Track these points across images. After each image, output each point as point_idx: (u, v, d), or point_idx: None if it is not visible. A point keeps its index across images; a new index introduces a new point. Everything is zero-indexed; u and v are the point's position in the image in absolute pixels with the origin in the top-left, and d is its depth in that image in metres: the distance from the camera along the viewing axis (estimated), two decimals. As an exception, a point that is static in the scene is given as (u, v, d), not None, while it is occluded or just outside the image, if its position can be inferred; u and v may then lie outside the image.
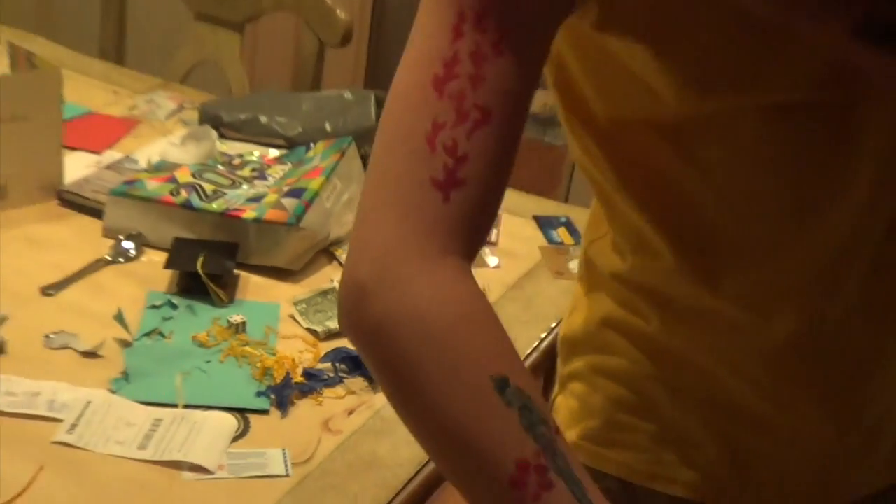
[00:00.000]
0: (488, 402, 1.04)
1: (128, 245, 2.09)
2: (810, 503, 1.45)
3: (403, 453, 1.67)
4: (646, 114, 1.18)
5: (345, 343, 1.87)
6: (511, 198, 2.41)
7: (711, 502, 1.44)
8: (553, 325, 2.00)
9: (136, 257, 2.08)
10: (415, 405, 1.08)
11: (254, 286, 2.03)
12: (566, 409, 1.48)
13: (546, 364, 1.93)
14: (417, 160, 1.06)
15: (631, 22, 1.13)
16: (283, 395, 1.74)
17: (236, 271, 2.03)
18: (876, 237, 1.22)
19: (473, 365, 1.06)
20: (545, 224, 2.36)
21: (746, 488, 1.44)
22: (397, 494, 1.61)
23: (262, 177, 2.23)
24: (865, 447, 1.41)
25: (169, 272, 2.00)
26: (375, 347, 1.09)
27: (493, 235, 2.29)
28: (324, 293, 1.99)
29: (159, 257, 2.03)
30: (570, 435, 1.49)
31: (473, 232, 1.10)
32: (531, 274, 2.19)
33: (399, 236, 1.06)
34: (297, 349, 1.86)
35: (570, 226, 2.37)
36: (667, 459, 1.43)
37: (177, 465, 1.59)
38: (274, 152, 2.42)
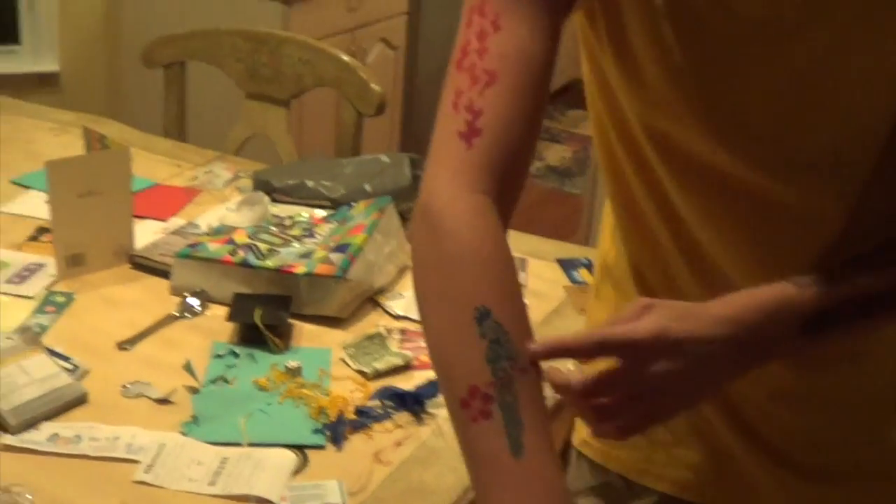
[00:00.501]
0: (466, 329, 1.09)
1: (193, 301, 2.09)
2: None
3: (448, 480, 1.66)
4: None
5: (391, 382, 1.87)
6: (535, 243, 2.42)
7: (694, 499, 1.44)
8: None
9: (201, 312, 2.07)
10: (420, 306, 1.18)
11: (307, 334, 2.02)
12: None
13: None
14: (447, 120, 1.20)
15: None
16: (338, 430, 1.73)
17: (290, 321, 2.02)
18: None
19: (465, 291, 1.12)
20: (567, 266, 2.34)
21: (727, 491, 1.43)
22: (444, 517, 1.59)
23: (311, 235, 2.23)
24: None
25: (231, 325, 2.00)
26: (412, 255, 1.20)
27: (522, 278, 2.29)
28: (370, 337, 1.98)
29: (222, 311, 2.03)
30: (584, 432, 1.54)
31: (498, 174, 1.18)
32: (557, 311, 2.18)
33: (436, 177, 1.19)
34: (348, 389, 1.85)
35: (590, 267, 2.35)
36: (656, 458, 1.45)
37: (244, 498, 1.58)
38: (320, 213, 2.42)
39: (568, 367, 1.19)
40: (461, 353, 1.11)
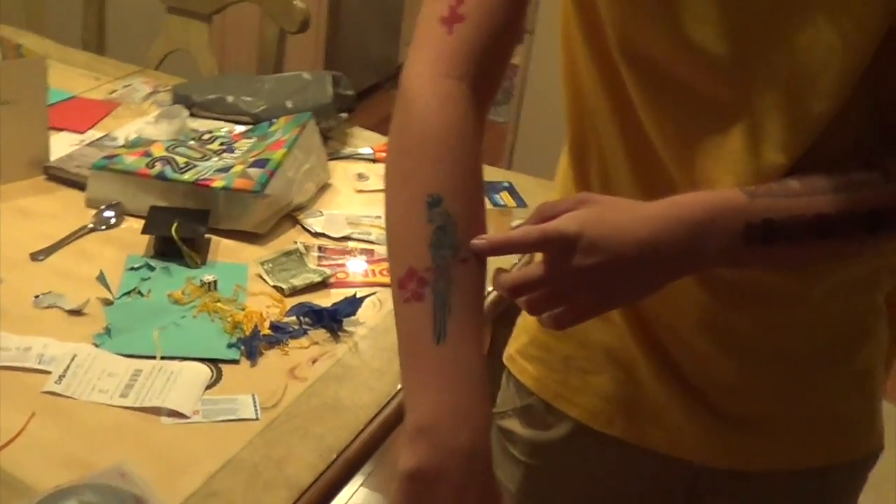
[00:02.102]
0: (416, 213, 1.13)
1: (109, 214, 2.06)
2: (690, 454, 1.42)
3: (364, 397, 1.65)
4: None
5: (308, 298, 1.86)
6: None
7: (603, 429, 1.43)
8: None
9: (117, 225, 2.04)
10: (385, 182, 1.20)
11: (224, 249, 2.00)
12: (517, 327, 1.54)
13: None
14: (430, 5, 1.22)
15: None
16: (252, 346, 1.71)
17: (207, 235, 2.00)
18: None
19: (423, 177, 1.14)
20: (489, 189, 2.33)
21: (635, 424, 1.42)
22: (358, 435, 1.59)
23: (230, 150, 2.20)
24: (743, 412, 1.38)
25: (146, 237, 1.97)
26: (389, 131, 1.22)
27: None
28: (287, 254, 1.96)
29: (137, 224, 2.00)
30: (512, 347, 1.54)
31: (477, 60, 1.20)
32: (476, 233, 2.17)
33: (415, 61, 1.21)
34: (264, 305, 1.84)
35: (511, 190, 2.34)
36: (571, 383, 1.44)
37: (156, 410, 1.57)
38: (240, 128, 2.39)
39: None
40: (407, 235, 1.14)
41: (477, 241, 1.13)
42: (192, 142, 2.24)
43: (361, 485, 3.31)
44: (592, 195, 1.15)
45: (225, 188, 2.01)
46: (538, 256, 1.16)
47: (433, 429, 1.08)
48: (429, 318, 1.09)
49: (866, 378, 1.40)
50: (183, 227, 1.93)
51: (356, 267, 1.99)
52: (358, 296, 1.83)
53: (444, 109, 1.17)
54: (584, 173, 1.35)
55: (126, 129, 2.38)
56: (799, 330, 1.32)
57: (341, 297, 1.84)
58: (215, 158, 2.15)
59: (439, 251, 1.11)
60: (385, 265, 1.99)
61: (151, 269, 1.90)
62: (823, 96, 1.13)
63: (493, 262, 1.18)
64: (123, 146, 2.24)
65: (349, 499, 3.25)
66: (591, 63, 1.28)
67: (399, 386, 1.67)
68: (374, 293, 1.89)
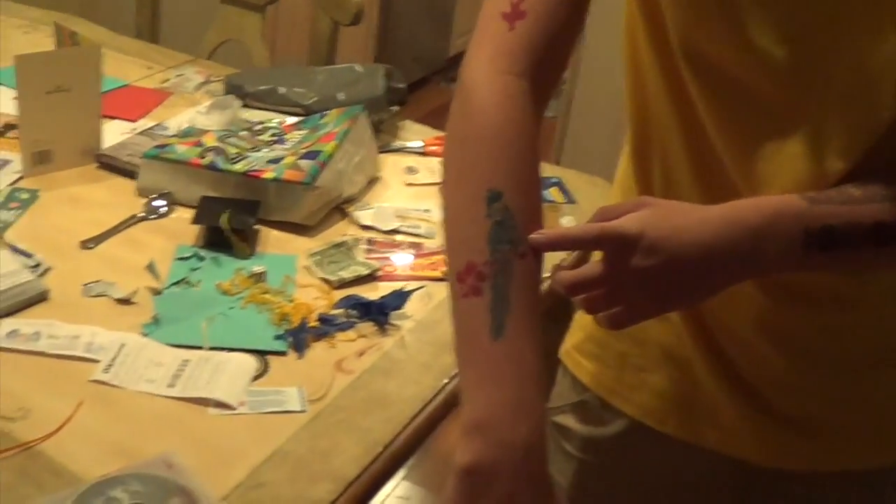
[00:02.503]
0: (475, 208, 1.13)
1: (159, 203, 2.06)
2: (742, 453, 1.40)
3: (409, 391, 1.65)
4: None
5: (355, 291, 1.85)
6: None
7: (658, 427, 1.42)
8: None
9: (167, 214, 2.05)
10: (443, 178, 1.20)
11: (273, 240, 2.00)
12: (574, 322, 1.53)
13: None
14: (493, 1, 1.22)
15: None
16: (300, 338, 1.71)
17: (257, 226, 2.00)
18: None
19: (482, 171, 1.15)
20: (537, 184, 2.32)
21: (689, 422, 1.41)
22: (404, 429, 1.58)
23: (281, 141, 2.20)
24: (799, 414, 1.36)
25: (196, 227, 1.98)
26: (447, 125, 1.22)
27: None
28: (336, 246, 1.96)
29: (188, 214, 2.00)
30: (567, 344, 1.54)
31: (537, 57, 1.20)
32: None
33: (476, 56, 1.21)
34: (312, 297, 1.83)
35: (561, 186, 2.33)
36: (626, 379, 1.44)
37: (202, 401, 1.57)
38: (292, 119, 2.38)
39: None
40: (466, 229, 1.14)
41: (536, 236, 1.13)
42: (243, 132, 2.24)
43: (403, 478, 3.31)
44: (653, 198, 1.15)
45: (275, 179, 2.01)
46: (596, 255, 1.15)
47: (490, 424, 1.08)
48: (486, 314, 1.10)
49: None
50: (233, 217, 1.93)
51: (404, 260, 1.99)
52: (406, 289, 1.83)
53: (503, 105, 1.17)
54: (645, 176, 1.34)
55: (178, 118, 2.39)
56: (853, 332, 1.30)
57: (389, 291, 1.84)
58: (266, 149, 2.15)
59: (498, 246, 1.11)
60: (433, 259, 1.99)
61: (201, 259, 1.90)
62: (885, 103, 1.11)
63: (550, 259, 1.17)
64: (175, 136, 2.24)
65: (391, 491, 3.25)
66: (655, 66, 1.27)
67: (445, 380, 1.67)
68: (421, 287, 1.88)
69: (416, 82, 6.01)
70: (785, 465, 1.39)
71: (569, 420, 1.51)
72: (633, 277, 1.11)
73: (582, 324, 1.50)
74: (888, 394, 1.36)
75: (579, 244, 1.21)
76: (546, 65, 1.21)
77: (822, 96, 1.14)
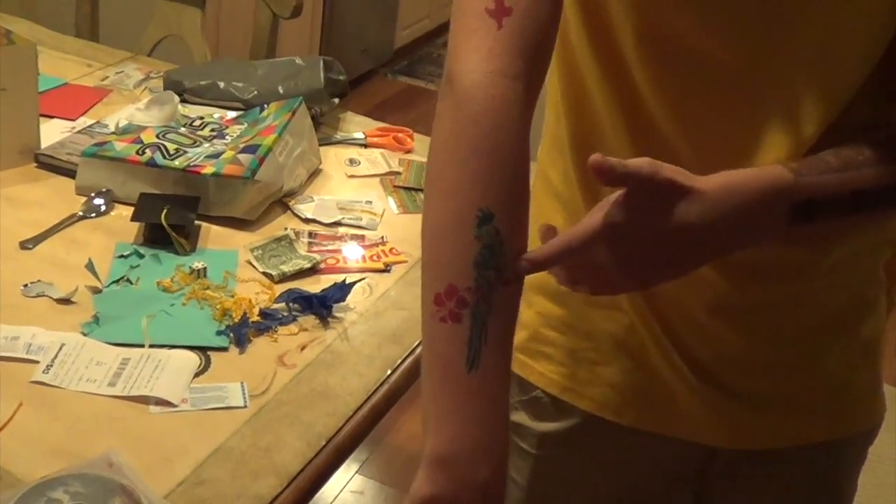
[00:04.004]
0: (464, 227, 1.07)
1: (98, 201, 2.04)
2: (702, 437, 1.41)
3: (352, 384, 1.64)
4: None
5: (297, 285, 1.85)
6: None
7: (614, 419, 1.42)
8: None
9: (106, 212, 2.03)
10: (426, 188, 1.15)
11: (214, 235, 1.99)
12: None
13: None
14: None
15: None
16: (241, 333, 1.70)
17: (197, 222, 1.99)
18: None
19: (475, 188, 1.09)
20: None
21: (646, 411, 1.41)
22: (347, 422, 1.58)
23: (221, 136, 2.19)
24: (761, 391, 1.37)
25: (136, 224, 1.96)
26: (434, 124, 1.15)
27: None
28: (278, 240, 1.95)
29: (127, 211, 1.99)
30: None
31: (528, 55, 1.15)
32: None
33: (466, 54, 1.14)
34: (253, 291, 1.83)
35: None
36: (580, 375, 1.42)
37: (144, 399, 1.56)
38: (231, 114, 2.37)
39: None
40: (452, 249, 1.09)
41: (525, 264, 1.11)
42: (182, 128, 2.23)
43: (357, 472, 3.31)
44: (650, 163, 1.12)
45: (215, 174, 2.00)
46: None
47: (453, 461, 1.06)
48: (464, 343, 1.06)
49: (871, 348, 1.41)
50: (172, 213, 1.92)
51: (347, 253, 1.98)
52: (347, 282, 1.82)
53: (501, 112, 1.12)
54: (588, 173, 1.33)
55: (117, 115, 2.36)
56: (807, 303, 1.32)
57: (331, 284, 1.83)
58: (206, 144, 2.14)
59: (484, 271, 1.07)
60: (376, 250, 1.99)
61: (141, 256, 1.89)
62: (852, 65, 1.16)
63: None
64: (114, 133, 2.22)
65: (345, 485, 3.25)
66: (592, 60, 1.26)
67: (388, 371, 1.67)
68: (363, 279, 1.88)
69: (363, 74, 6.00)
70: (747, 444, 1.40)
71: (521, 417, 1.49)
72: (620, 255, 1.11)
73: (524, 322, 1.46)
74: (844, 362, 1.38)
75: (569, 258, 1.15)
76: (536, 64, 1.16)
77: (792, 62, 1.16)
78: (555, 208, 1.39)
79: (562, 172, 1.38)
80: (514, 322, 1.12)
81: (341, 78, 2.48)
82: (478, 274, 1.07)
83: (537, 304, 1.41)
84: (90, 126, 2.32)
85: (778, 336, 1.33)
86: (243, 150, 2.05)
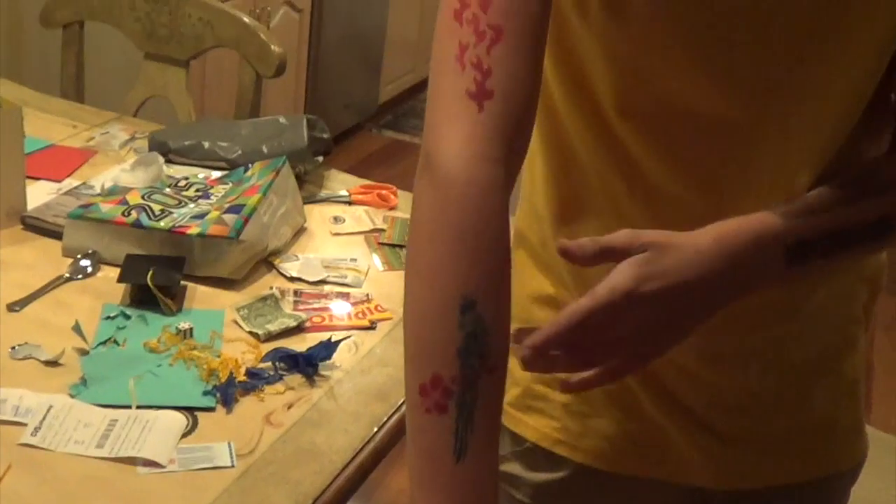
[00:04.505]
0: (447, 315, 1.06)
1: (85, 263, 2.05)
2: (697, 480, 1.42)
3: (339, 441, 1.65)
4: None
5: (283, 343, 1.86)
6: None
7: (609, 469, 1.43)
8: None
9: (93, 274, 2.04)
10: (407, 273, 1.13)
11: (200, 295, 2.00)
12: (507, 379, 1.49)
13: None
14: (453, 76, 1.13)
15: None
16: (228, 393, 1.71)
17: (183, 283, 2.00)
18: None
19: (458, 275, 1.08)
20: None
21: (641, 459, 1.42)
22: (334, 480, 1.58)
23: (206, 196, 2.20)
24: (752, 434, 1.39)
25: (122, 286, 1.97)
26: (413, 210, 1.15)
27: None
28: (263, 299, 1.96)
29: (113, 273, 2.00)
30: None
31: (509, 139, 1.14)
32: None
33: (447, 138, 1.12)
34: (240, 351, 1.83)
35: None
36: (572, 428, 1.43)
37: (132, 460, 1.56)
38: (216, 174, 2.38)
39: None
40: (435, 338, 1.08)
41: (528, 351, 1.13)
42: (167, 189, 2.24)
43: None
44: (646, 237, 1.15)
45: (200, 235, 2.01)
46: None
47: None
48: (450, 434, 1.05)
49: (854, 386, 1.44)
50: (158, 274, 1.93)
51: (333, 311, 1.99)
52: (333, 339, 1.83)
53: (483, 198, 1.11)
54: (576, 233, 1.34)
55: (103, 176, 2.37)
56: (792, 344, 1.35)
57: (317, 342, 1.84)
58: (191, 205, 2.15)
59: (468, 360, 1.06)
60: (362, 307, 2.00)
61: (127, 317, 1.89)
62: (845, 114, 1.21)
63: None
64: (100, 194, 2.24)
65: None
66: (580, 122, 1.28)
67: (375, 429, 1.68)
68: (349, 336, 1.89)
69: (348, 129, 6.03)
70: (736, 485, 1.42)
71: (514, 467, 1.50)
72: (634, 326, 1.13)
73: (516, 379, 1.47)
74: (829, 400, 1.41)
75: (573, 326, 1.14)
76: (516, 146, 1.16)
77: (788, 113, 1.19)
78: (535, 269, 1.41)
79: (540, 239, 1.40)
80: (500, 407, 1.11)
81: (325, 136, 2.49)
82: (462, 363, 1.06)
83: None
84: (76, 187, 2.33)
85: (766, 377, 1.35)
86: (228, 210, 2.06)
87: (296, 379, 1.78)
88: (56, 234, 2.13)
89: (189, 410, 1.67)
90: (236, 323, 1.91)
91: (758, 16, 1.15)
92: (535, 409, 1.46)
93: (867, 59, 1.18)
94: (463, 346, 1.06)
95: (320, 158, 2.48)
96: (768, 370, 1.35)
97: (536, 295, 1.42)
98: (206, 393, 1.71)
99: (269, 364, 1.80)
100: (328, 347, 1.81)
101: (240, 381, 1.74)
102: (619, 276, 1.11)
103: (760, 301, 1.25)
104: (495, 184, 1.12)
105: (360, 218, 2.36)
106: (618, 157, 1.26)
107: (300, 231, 2.25)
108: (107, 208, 2.10)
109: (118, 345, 1.82)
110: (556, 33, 1.23)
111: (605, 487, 1.45)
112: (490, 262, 1.10)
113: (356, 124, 6.17)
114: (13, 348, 1.78)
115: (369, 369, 1.83)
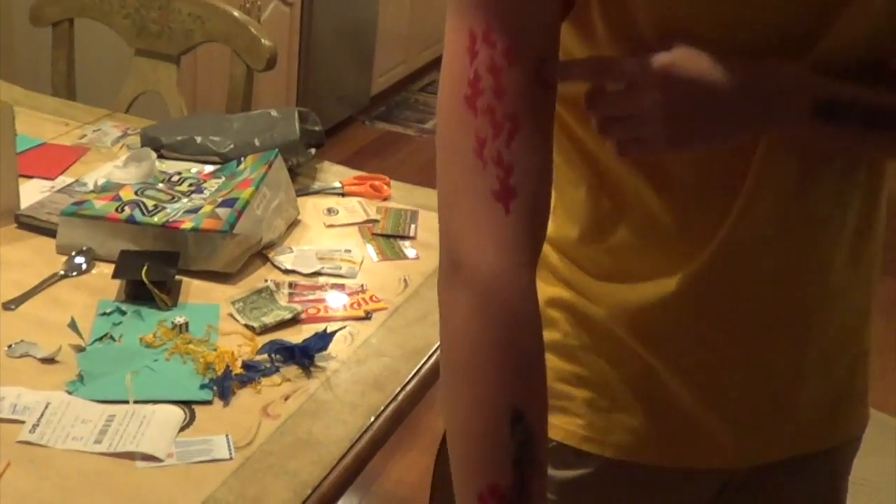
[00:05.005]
0: (499, 427, 1.09)
1: (79, 260, 2.05)
2: (725, 463, 1.43)
3: (337, 432, 1.66)
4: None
5: (279, 336, 1.86)
6: (427, 196, 2.42)
7: (637, 460, 1.43)
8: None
9: (88, 270, 2.04)
10: (448, 385, 1.14)
11: (195, 289, 2.00)
12: None
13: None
14: (474, 174, 1.11)
15: None
16: (225, 385, 1.71)
17: (178, 277, 2.00)
18: None
19: (506, 388, 1.10)
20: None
21: (669, 448, 1.42)
22: (332, 469, 1.59)
23: (199, 191, 2.21)
24: (783, 406, 1.40)
25: (117, 282, 1.97)
26: (440, 318, 1.14)
27: (412, 230, 2.28)
28: (258, 292, 1.97)
29: (108, 269, 2.00)
30: None
31: (536, 239, 1.14)
32: (446, 263, 2.18)
33: (477, 243, 1.11)
34: (236, 344, 1.84)
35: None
36: (598, 424, 1.42)
37: (130, 455, 1.57)
38: (209, 168, 2.39)
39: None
40: (490, 449, 1.10)
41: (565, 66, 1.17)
42: (160, 184, 2.24)
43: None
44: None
45: (194, 229, 2.01)
46: None
47: None
48: None
49: (867, 356, 1.45)
50: (153, 270, 1.93)
51: (328, 302, 2.00)
52: (328, 330, 1.84)
53: (525, 309, 1.12)
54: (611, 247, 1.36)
55: (96, 173, 2.38)
56: (820, 316, 1.36)
57: (312, 333, 1.84)
58: (185, 200, 2.16)
59: (522, 468, 1.09)
60: (357, 298, 2.01)
61: (123, 313, 1.90)
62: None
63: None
64: (93, 191, 2.24)
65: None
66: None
67: (372, 418, 1.68)
68: (344, 327, 1.90)
69: (341, 122, 6.03)
70: (759, 460, 1.43)
71: None
72: (653, 107, 1.14)
73: None
74: (848, 368, 1.43)
75: (611, 72, 1.19)
76: (540, 238, 1.15)
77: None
78: (553, 280, 1.41)
79: (559, 258, 1.41)
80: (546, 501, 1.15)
81: (317, 129, 2.50)
82: (517, 471, 1.09)
83: (547, 361, 1.42)
84: (69, 185, 2.34)
85: (795, 349, 1.36)
86: (221, 204, 2.07)
87: (292, 370, 1.79)
88: (50, 232, 2.13)
89: (186, 404, 1.68)
90: (232, 316, 1.92)
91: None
92: (558, 409, 1.43)
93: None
94: (517, 456, 1.09)
95: (312, 151, 2.49)
96: (796, 342, 1.36)
97: (552, 299, 1.41)
98: (203, 386, 1.72)
99: (266, 356, 1.80)
100: (324, 338, 1.82)
101: (236, 374, 1.75)
102: (660, 54, 1.14)
103: (790, 261, 1.29)
104: (531, 289, 1.13)
105: (353, 209, 2.36)
106: (651, 170, 1.27)
107: (294, 223, 2.26)
108: (100, 205, 2.10)
109: (114, 341, 1.83)
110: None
111: (631, 479, 1.44)
112: (534, 373, 1.13)
113: (349, 116, 6.17)
114: (10, 346, 1.79)
115: (365, 359, 1.83)
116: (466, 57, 1.12)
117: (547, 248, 1.38)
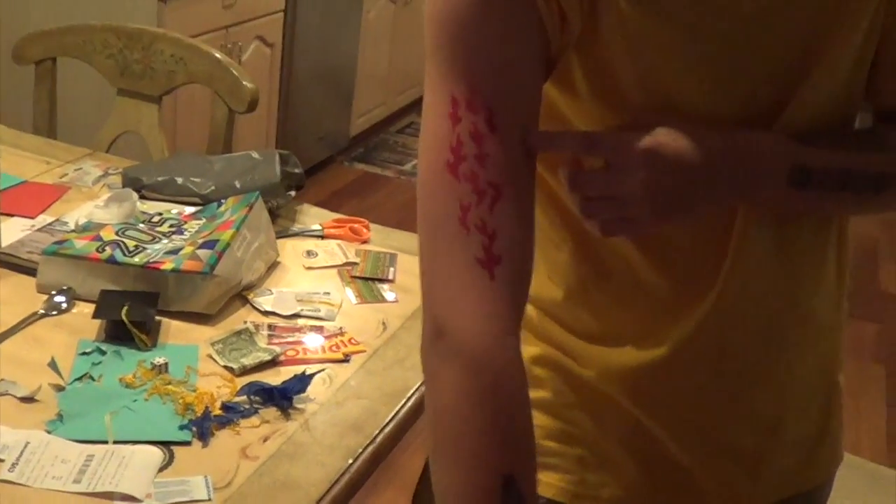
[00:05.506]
0: (490, 495, 1.09)
1: (60, 299, 2.06)
2: None
3: (315, 474, 1.66)
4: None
5: (258, 377, 1.87)
6: (405, 239, 2.43)
7: None
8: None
9: (68, 310, 2.04)
10: (439, 451, 1.14)
11: (175, 330, 2.01)
12: None
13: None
14: (458, 241, 1.11)
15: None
16: (204, 426, 1.72)
17: (158, 318, 2.01)
18: None
19: (496, 456, 1.10)
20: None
21: (660, 500, 1.43)
22: (310, 511, 1.60)
23: (180, 232, 2.22)
24: (767, 453, 1.41)
25: (97, 322, 1.98)
26: (426, 385, 1.15)
27: (391, 273, 2.29)
28: (238, 333, 1.98)
29: (89, 309, 2.01)
30: None
31: (519, 304, 1.15)
32: (424, 306, 2.18)
33: (464, 310, 1.11)
34: (215, 385, 1.84)
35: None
36: (590, 480, 1.42)
37: (109, 495, 1.57)
38: (190, 209, 2.40)
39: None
40: None
41: (537, 139, 1.16)
42: (141, 224, 2.25)
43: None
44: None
45: (174, 270, 2.02)
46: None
47: None
48: None
49: (839, 387, 1.48)
50: (133, 310, 1.94)
51: (307, 344, 2.01)
52: (307, 373, 1.85)
53: (514, 377, 1.12)
54: (595, 301, 1.37)
55: (77, 212, 2.39)
56: (797, 360, 1.38)
57: (291, 375, 1.85)
58: (165, 241, 2.17)
59: None
60: (335, 341, 2.02)
61: (103, 353, 1.90)
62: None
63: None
64: (73, 231, 2.25)
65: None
66: None
67: (350, 460, 1.69)
68: (323, 369, 1.91)
69: (319, 162, 6.05)
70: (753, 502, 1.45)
71: None
72: (633, 188, 1.15)
73: None
74: (824, 409, 1.46)
75: (576, 145, 1.20)
76: (522, 302, 1.16)
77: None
78: (535, 339, 1.42)
79: (539, 315, 1.43)
80: None
81: (297, 171, 2.51)
82: None
83: (534, 419, 1.42)
84: (50, 224, 2.35)
85: (777, 395, 1.39)
86: (202, 246, 2.08)
87: (271, 412, 1.79)
88: (30, 271, 2.14)
89: (165, 445, 1.68)
90: (211, 357, 1.92)
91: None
92: (549, 466, 1.44)
93: (848, 70, 1.23)
94: None
95: (293, 193, 2.50)
96: (779, 390, 1.38)
97: (537, 357, 1.42)
98: (182, 427, 1.72)
99: (245, 398, 1.81)
100: (302, 381, 1.83)
101: (215, 415, 1.75)
102: (643, 136, 1.15)
103: (774, 314, 1.32)
104: (517, 356, 1.14)
105: (332, 252, 2.38)
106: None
107: (273, 265, 2.27)
108: (81, 244, 2.11)
109: (94, 380, 1.83)
110: (547, 111, 1.23)
111: None
112: (524, 439, 1.14)
113: (328, 157, 6.19)
114: (-11, 385, 1.79)
115: (343, 402, 1.84)
116: (448, 123, 1.12)
117: (528, 307, 1.36)
